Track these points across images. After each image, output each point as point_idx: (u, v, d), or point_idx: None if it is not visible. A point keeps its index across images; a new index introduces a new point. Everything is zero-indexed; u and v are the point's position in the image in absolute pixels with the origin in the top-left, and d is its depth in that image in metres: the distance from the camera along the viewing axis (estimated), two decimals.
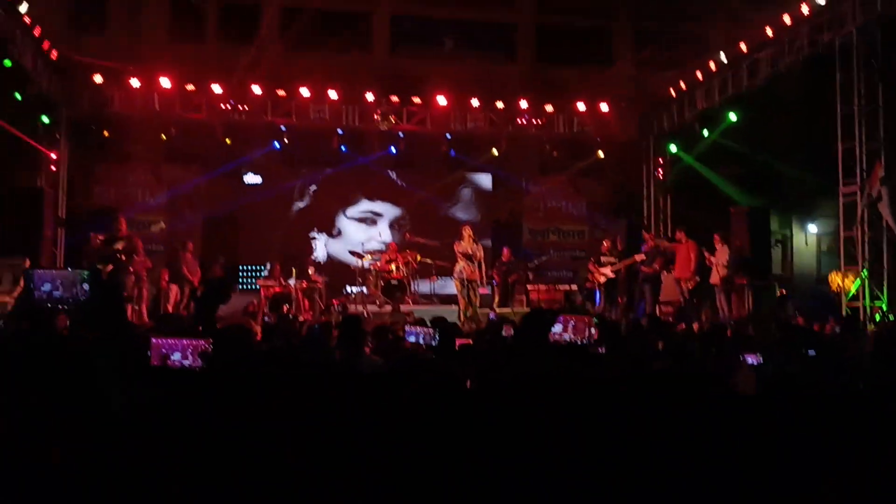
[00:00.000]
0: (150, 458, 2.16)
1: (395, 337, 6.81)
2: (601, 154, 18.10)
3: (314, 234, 17.97)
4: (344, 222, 18.91)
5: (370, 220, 19.06)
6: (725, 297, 13.64)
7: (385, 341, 6.52)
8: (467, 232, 13.52)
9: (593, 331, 2.37)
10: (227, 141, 16.48)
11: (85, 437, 2.35)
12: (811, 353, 7.01)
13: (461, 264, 13.26)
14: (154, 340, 3.05)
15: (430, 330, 3.66)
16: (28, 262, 11.56)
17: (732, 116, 15.94)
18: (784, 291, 14.79)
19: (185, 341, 3.34)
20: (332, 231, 18.65)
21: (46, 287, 2.44)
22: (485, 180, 19.50)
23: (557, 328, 2.51)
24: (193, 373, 3.28)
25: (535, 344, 2.39)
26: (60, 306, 3.18)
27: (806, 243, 19.93)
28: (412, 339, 3.72)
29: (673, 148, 18.01)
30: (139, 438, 2.27)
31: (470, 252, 13.23)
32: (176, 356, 3.31)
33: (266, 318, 9.18)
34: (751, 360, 4.38)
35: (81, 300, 2.44)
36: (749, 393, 3.76)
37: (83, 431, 2.35)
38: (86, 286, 2.31)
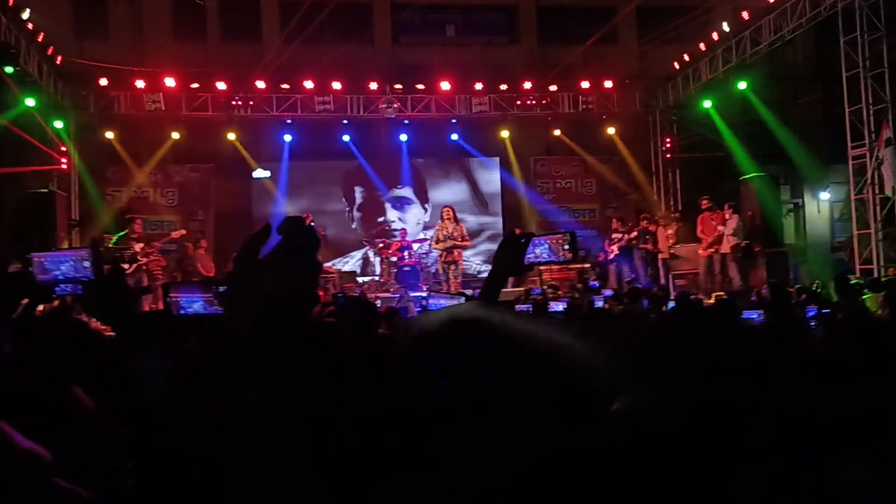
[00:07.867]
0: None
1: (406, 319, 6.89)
2: (610, 131, 18.02)
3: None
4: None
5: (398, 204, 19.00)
6: (737, 265, 13.60)
7: (398, 322, 6.58)
8: (447, 214, 14.02)
9: (567, 248, 2.39)
10: (231, 136, 16.55)
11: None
12: (825, 311, 7.08)
13: (441, 246, 13.88)
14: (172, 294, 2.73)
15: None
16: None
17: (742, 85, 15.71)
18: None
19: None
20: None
21: (54, 271, 2.32)
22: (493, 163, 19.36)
23: (536, 250, 2.52)
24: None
25: (515, 266, 2.40)
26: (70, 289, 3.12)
27: (819, 210, 19.80)
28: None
29: (707, 104, 16.97)
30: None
31: (449, 233, 13.74)
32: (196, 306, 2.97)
33: None
34: (755, 315, 4.43)
35: (88, 280, 2.32)
36: None
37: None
38: (87, 263, 2.21)
